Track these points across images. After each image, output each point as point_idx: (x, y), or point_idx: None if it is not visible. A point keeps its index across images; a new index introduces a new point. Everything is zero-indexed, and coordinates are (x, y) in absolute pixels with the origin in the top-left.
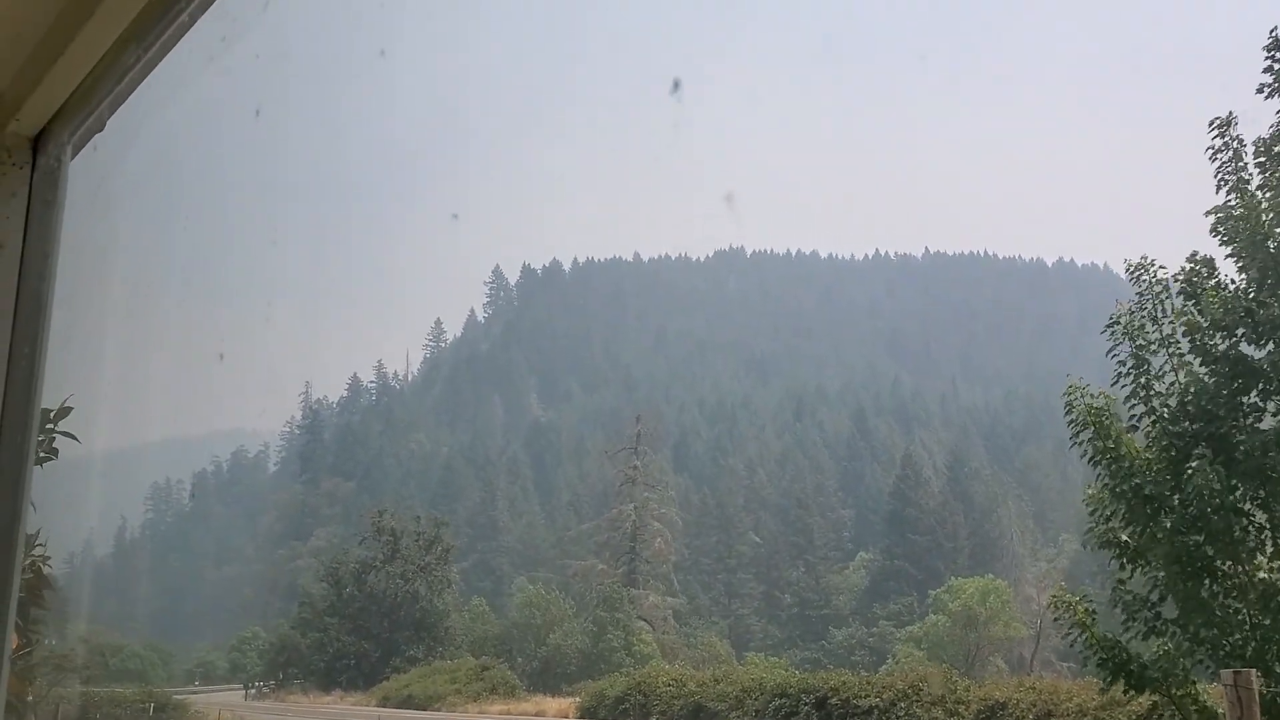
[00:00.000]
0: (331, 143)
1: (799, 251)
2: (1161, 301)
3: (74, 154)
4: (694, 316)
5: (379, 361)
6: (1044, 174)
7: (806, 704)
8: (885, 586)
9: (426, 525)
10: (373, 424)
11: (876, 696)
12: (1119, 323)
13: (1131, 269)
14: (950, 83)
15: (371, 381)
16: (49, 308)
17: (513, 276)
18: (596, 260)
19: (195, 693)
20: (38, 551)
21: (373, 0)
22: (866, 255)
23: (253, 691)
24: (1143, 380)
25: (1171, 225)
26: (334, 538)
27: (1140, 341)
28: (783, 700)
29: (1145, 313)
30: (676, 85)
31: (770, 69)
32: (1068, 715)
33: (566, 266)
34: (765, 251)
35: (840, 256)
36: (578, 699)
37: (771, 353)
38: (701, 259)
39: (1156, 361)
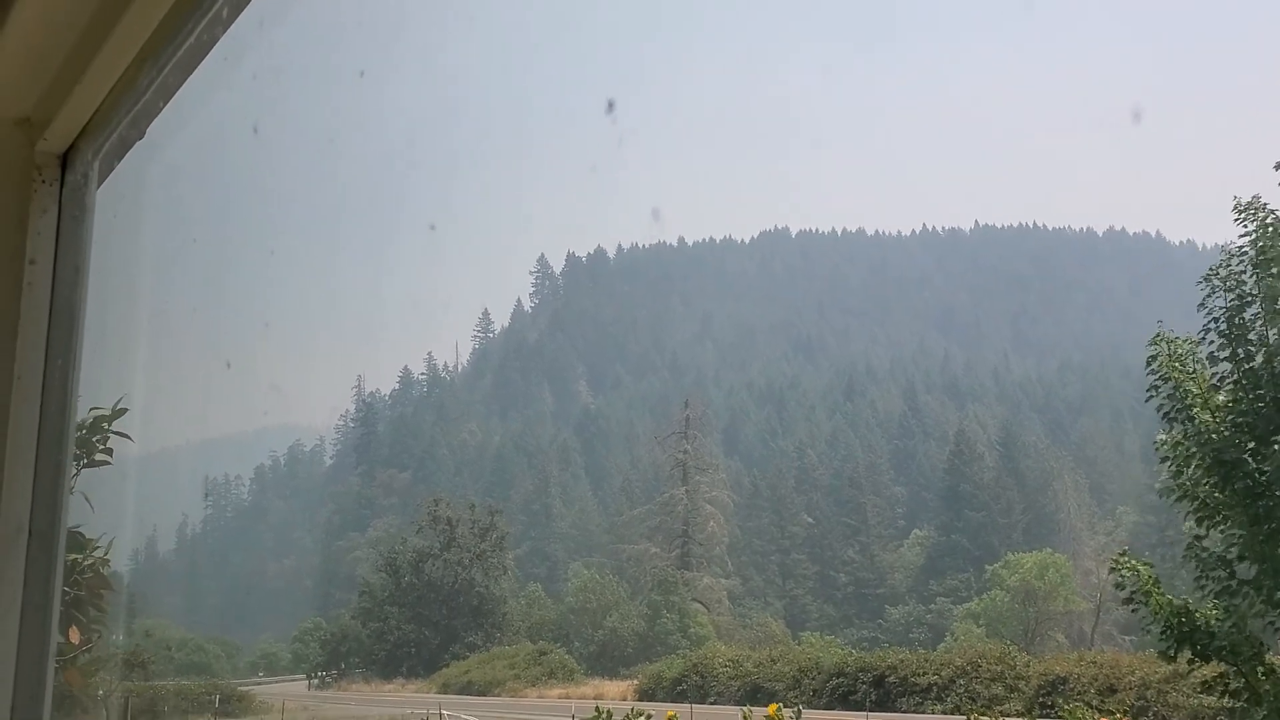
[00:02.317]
0: (370, 137)
1: (844, 230)
2: (1272, 246)
3: (100, 171)
4: (740, 299)
5: (429, 354)
6: (1094, 141)
7: (864, 682)
8: (941, 563)
9: (481, 513)
10: (425, 415)
11: (935, 674)
12: (1217, 273)
13: (1240, 208)
14: (999, 55)
15: (422, 374)
16: (82, 318)
17: (558, 265)
18: (641, 246)
19: (259, 684)
20: (97, 553)
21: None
22: (914, 230)
23: (315, 682)
24: (1233, 334)
25: (1228, 193)
26: (391, 528)
27: (1236, 294)
28: (840, 679)
29: (1246, 259)
30: (610, 106)
31: (821, 46)
32: (1130, 689)
33: (611, 254)
34: (811, 231)
35: (886, 233)
36: (635, 681)
37: (819, 333)
38: (746, 241)
39: (1250, 314)
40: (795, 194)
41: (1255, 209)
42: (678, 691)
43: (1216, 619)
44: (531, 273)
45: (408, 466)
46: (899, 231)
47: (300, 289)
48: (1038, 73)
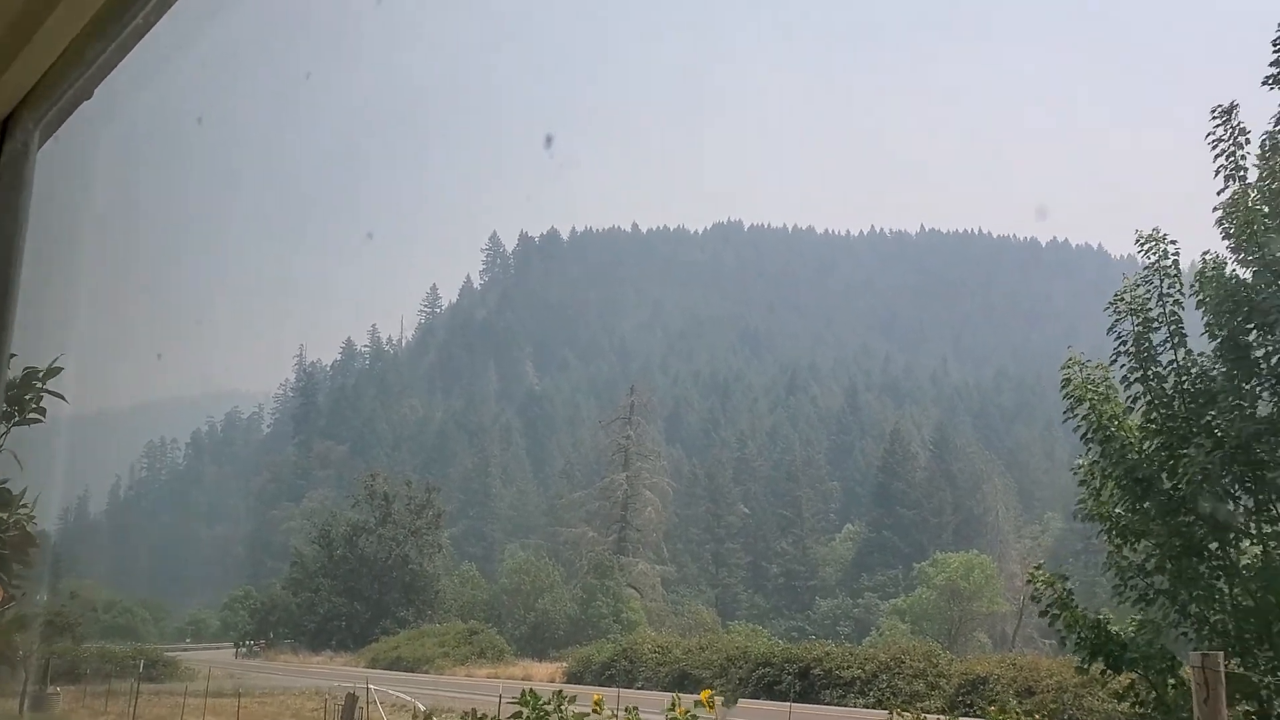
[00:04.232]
0: (330, 108)
1: (796, 226)
2: (1169, 277)
3: (41, 140)
4: (690, 289)
5: (373, 326)
6: (1040, 154)
7: (790, 673)
8: (871, 559)
9: (418, 490)
10: (366, 388)
11: (859, 668)
12: (1123, 298)
13: (1140, 240)
14: (949, 63)
15: (366, 346)
16: (16, 281)
17: (510, 244)
18: (594, 230)
19: (186, 650)
20: (23, 510)
21: None
22: (862, 231)
23: (243, 650)
24: (1142, 358)
25: (1169, 209)
26: (326, 500)
27: (1143, 318)
28: (766, 669)
29: (1151, 287)
30: (549, 141)
31: (778, 51)
32: (1047, 691)
33: (564, 235)
34: (763, 226)
35: (836, 232)
36: (565, 664)
37: (766, 327)
38: (699, 232)
39: (1157, 339)
40: (749, 188)
41: (1155, 240)
42: (606, 676)
43: (1131, 631)
44: (483, 250)
45: (346, 439)
46: (848, 232)
47: (246, 264)
48: (991, 84)
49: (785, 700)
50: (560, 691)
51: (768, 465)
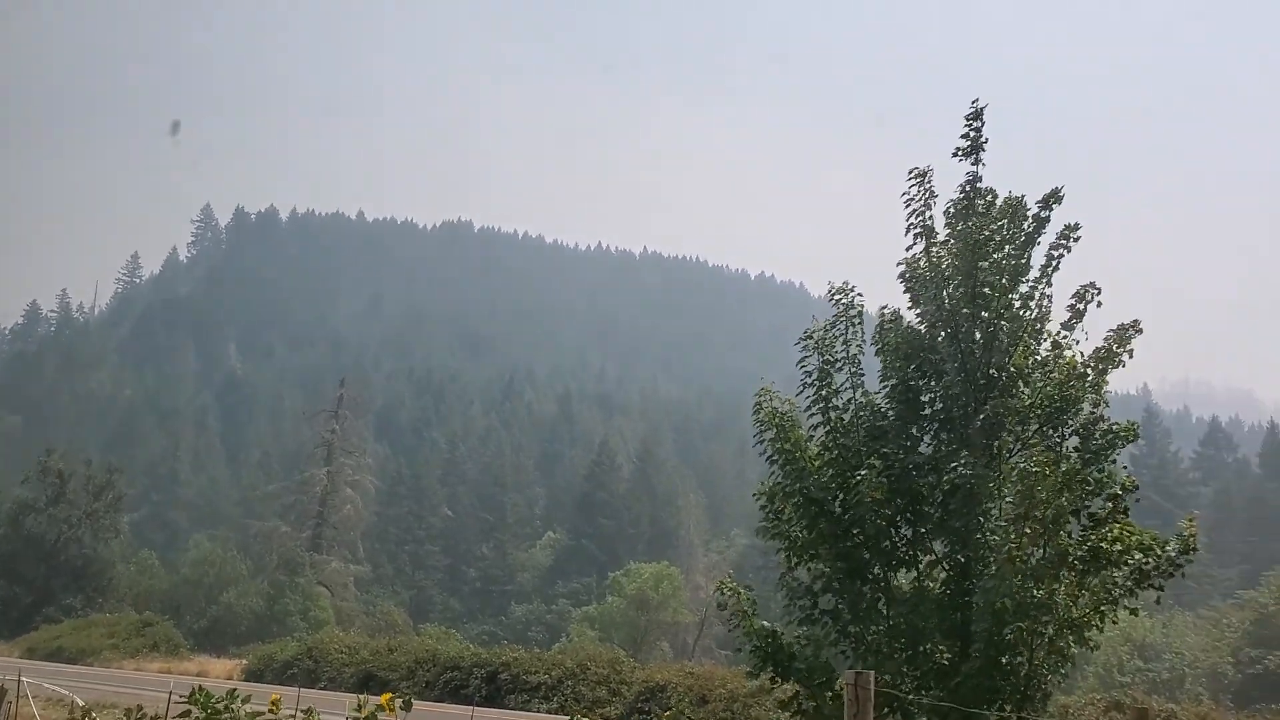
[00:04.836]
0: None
1: (526, 234)
2: (854, 324)
3: None
4: (413, 285)
5: (63, 291)
6: (752, 196)
7: (478, 677)
8: (568, 566)
9: (98, 470)
10: (49, 357)
11: (546, 673)
12: (811, 337)
13: (832, 291)
14: (693, 98)
15: (52, 310)
16: None
17: (224, 218)
18: (317, 213)
19: None
20: None
21: None
22: (590, 246)
23: None
24: (824, 393)
25: (863, 258)
26: None
27: (828, 357)
28: (455, 673)
29: (837, 332)
30: (176, 127)
31: (513, 63)
32: (720, 699)
33: (284, 215)
34: (493, 229)
35: (565, 244)
36: (245, 661)
37: (487, 330)
38: (428, 228)
39: (839, 378)
40: (481, 189)
41: (845, 291)
42: (288, 675)
43: (799, 644)
44: (194, 222)
45: (20, 410)
46: (576, 244)
47: None
48: (719, 118)
49: (470, 704)
50: (235, 690)
51: (476, 468)
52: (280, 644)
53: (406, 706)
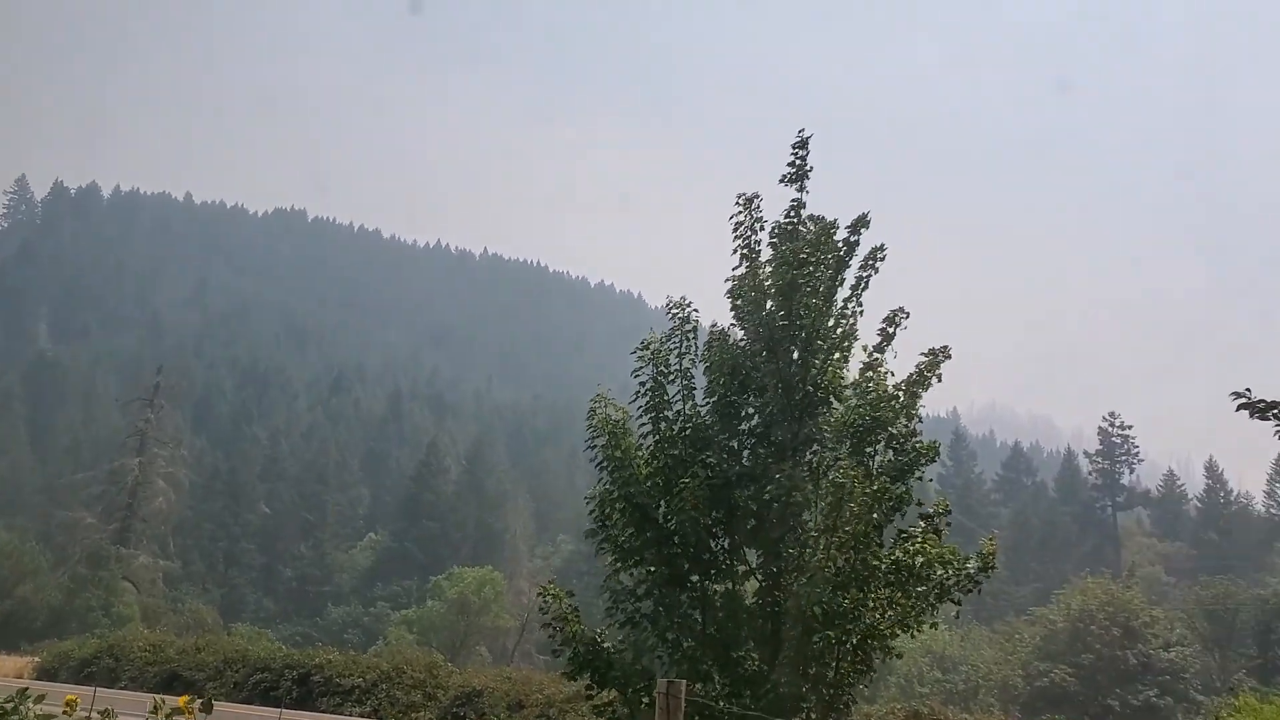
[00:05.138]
0: None
1: (362, 227)
2: (688, 338)
3: None
4: (241, 272)
5: None
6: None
7: (289, 679)
8: (389, 568)
9: None
10: None
11: (361, 676)
12: (648, 348)
13: (669, 304)
14: (539, 106)
15: None
16: None
17: (40, 190)
18: (142, 192)
19: None
20: None
21: None
22: (429, 243)
23: None
24: (656, 403)
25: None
26: None
27: (662, 369)
28: (265, 674)
29: (671, 345)
30: None
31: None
32: (536, 704)
33: (106, 192)
34: (327, 220)
35: (403, 239)
36: (38, 658)
37: (317, 323)
38: (260, 214)
39: (672, 390)
40: (317, 180)
41: (681, 306)
42: (86, 673)
43: (618, 649)
44: (7, 193)
45: None
46: (415, 241)
47: None
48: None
49: (280, 706)
50: (26, 690)
51: (299, 465)
52: (78, 641)
53: (207, 708)
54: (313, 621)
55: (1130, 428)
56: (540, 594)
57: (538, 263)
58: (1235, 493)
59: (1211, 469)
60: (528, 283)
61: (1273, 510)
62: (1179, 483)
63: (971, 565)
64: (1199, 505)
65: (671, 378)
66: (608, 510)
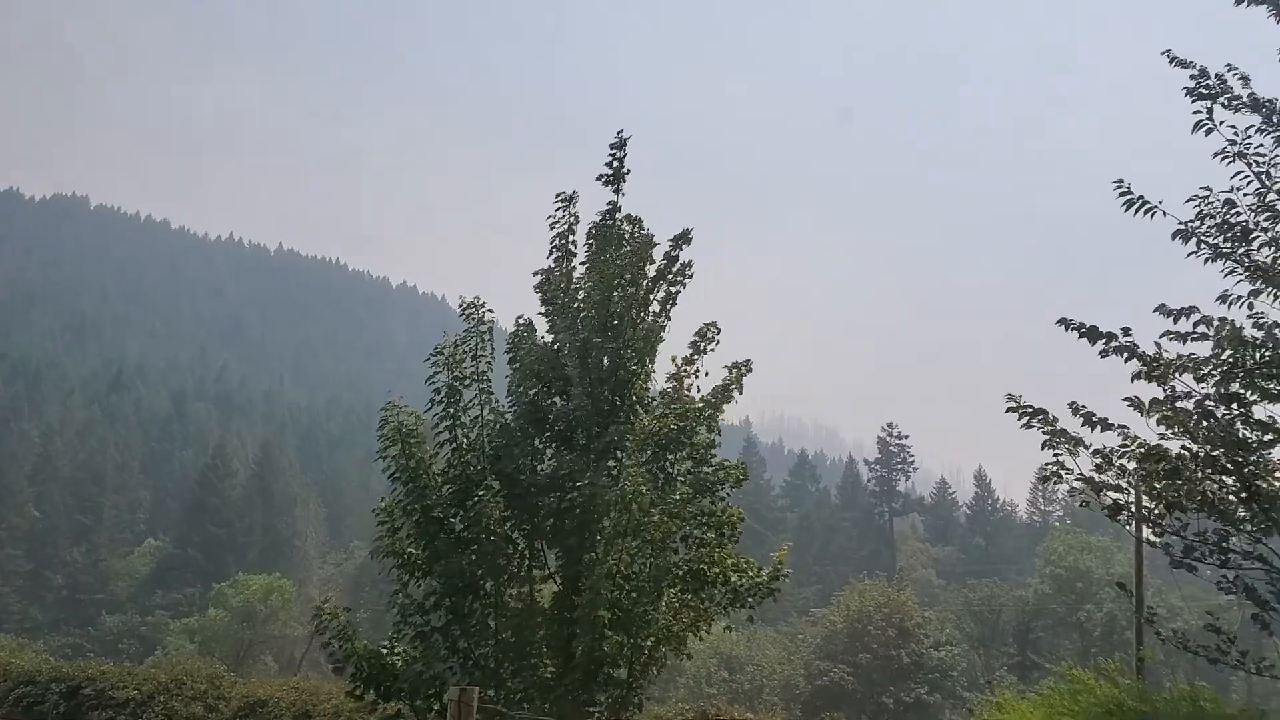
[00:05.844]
0: None
1: (149, 217)
2: (484, 340)
3: None
4: (15, 260)
5: None
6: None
7: (56, 693)
8: (170, 575)
9: None
10: None
11: (136, 688)
12: (442, 353)
13: (464, 305)
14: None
15: None
16: None
17: None
18: None
19: None
20: None
21: None
22: (220, 236)
23: None
24: (452, 410)
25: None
26: None
27: (457, 374)
28: (29, 688)
29: (467, 348)
30: None
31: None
32: (325, 714)
33: None
34: (111, 208)
35: (193, 231)
36: None
37: (96, 316)
38: (36, 199)
39: (468, 394)
40: (100, 164)
41: (476, 307)
42: None
43: (405, 662)
44: None
45: None
46: (205, 233)
47: None
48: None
49: None
50: None
51: (73, 465)
52: None
53: None
54: (85, 632)
55: (907, 438)
56: (315, 615)
57: (337, 260)
58: (1001, 500)
59: (980, 478)
60: (325, 280)
61: (1034, 517)
62: (950, 491)
63: (765, 573)
64: (968, 512)
65: (468, 382)
66: (398, 522)
